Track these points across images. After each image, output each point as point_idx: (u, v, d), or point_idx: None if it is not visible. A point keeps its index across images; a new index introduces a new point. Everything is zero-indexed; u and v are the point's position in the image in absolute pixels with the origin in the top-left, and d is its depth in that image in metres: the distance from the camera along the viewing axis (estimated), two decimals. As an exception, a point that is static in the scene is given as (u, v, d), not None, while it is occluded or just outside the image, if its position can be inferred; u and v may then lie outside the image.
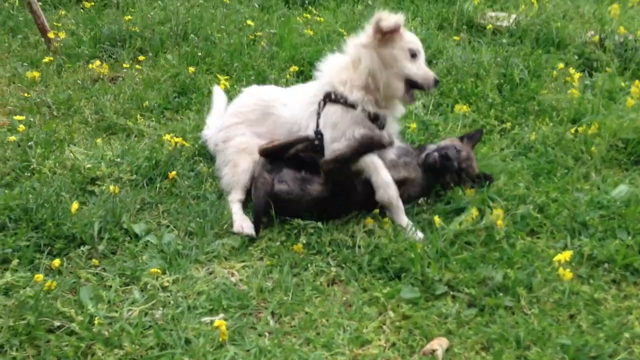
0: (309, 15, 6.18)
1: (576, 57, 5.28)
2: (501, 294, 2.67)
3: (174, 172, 3.35)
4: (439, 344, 2.41)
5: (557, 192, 3.42)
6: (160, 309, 2.54)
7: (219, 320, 2.26)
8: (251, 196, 3.20)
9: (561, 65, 4.75)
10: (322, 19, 6.04)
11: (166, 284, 2.68)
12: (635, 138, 3.88)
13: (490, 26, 5.60)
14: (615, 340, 2.46)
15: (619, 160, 3.88)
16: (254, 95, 3.70)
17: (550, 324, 2.52)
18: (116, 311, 2.51)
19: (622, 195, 3.39)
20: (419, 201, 3.29)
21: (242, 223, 3.13)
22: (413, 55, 3.26)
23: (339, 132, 3.23)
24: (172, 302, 2.58)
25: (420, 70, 3.28)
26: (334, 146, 3.20)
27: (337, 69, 3.36)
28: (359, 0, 6.66)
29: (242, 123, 3.54)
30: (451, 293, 2.73)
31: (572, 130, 3.96)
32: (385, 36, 3.20)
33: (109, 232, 2.99)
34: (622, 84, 4.83)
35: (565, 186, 3.48)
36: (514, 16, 6.18)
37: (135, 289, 2.65)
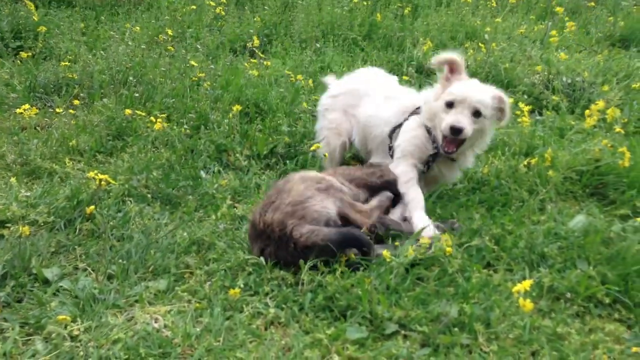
0: (255, 60, 6.06)
1: (525, 96, 5.25)
2: (457, 330, 2.42)
3: (92, 207, 3.03)
4: (388, 389, 2.14)
5: (513, 224, 3.23)
6: (66, 361, 2.18)
7: (127, 367, 1.92)
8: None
9: (511, 99, 4.68)
10: (269, 63, 5.92)
11: (76, 332, 2.32)
12: (589, 169, 3.77)
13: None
14: (583, 377, 2.23)
15: (574, 192, 3.75)
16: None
17: (511, 362, 2.27)
18: (12, 365, 2.15)
19: (579, 226, 3.23)
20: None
21: None
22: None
23: None
24: (81, 352, 2.23)
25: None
26: None
27: None
28: (308, 45, 6.60)
29: None
30: (402, 332, 2.46)
31: (525, 163, 3.82)
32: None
33: (14, 278, 2.63)
34: (572, 122, 4.79)
35: (521, 218, 3.30)
36: (462, 62, 6.19)
37: (38, 340, 2.28)
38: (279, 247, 2.78)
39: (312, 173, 3.19)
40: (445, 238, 2.92)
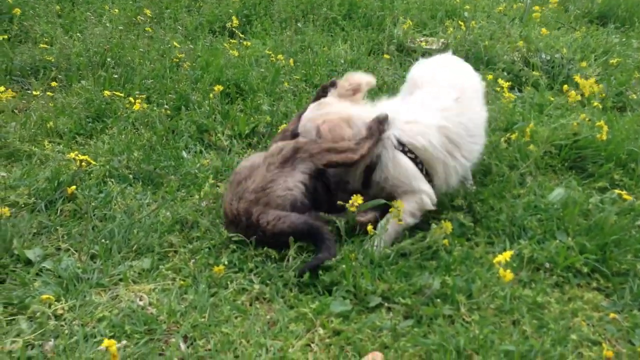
0: (235, 41, 6.00)
1: (505, 73, 5.28)
2: (439, 302, 2.45)
3: (73, 187, 3.00)
4: (373, 359, 2.17)
5: (494, 198, 3.28)
6: (52, 339, 2.18)
7: (107, 340, 1.92)
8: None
9: (490, 76, 4.71)
10: (249, 43, 5.87)
11: (60, 311, 2.33)
12: (568, 144, 3.81)
13: (423, 43, 5.60)
14: (563, 344, 2.29)
15: (554, 166, 3.80)
16: None
17: (493, 331, 2.32)
18: (-3, 345, 2.14)
19: (559, 199, 3.28)
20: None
21: None
22: None
23: None
24: (66, 330, 2.23)
25: None
26: None
27: None
28: (288, 25, 6.55)
29: None
30: (386, 304, 2.50)
31: (505, 139, 3.86)
32: None
33: (-4, 260, 2.61)
34: (551, 97, 4.83)
35: (502, 192, 3.34)
36: (442, 40, 6.20)
37: (22, 319, 2.28)
38: (248, 234, 2.78)
39: (271, 148, 3.03)
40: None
